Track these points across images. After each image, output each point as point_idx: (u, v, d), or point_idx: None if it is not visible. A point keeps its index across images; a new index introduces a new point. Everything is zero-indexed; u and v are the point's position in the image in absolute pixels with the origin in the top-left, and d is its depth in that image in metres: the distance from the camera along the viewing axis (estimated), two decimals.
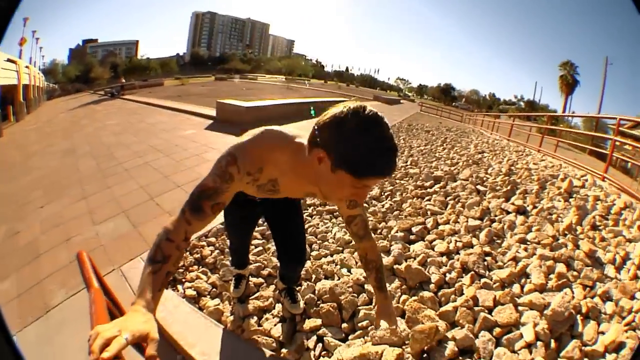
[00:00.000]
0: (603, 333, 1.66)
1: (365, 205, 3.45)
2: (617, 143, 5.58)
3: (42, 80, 22.08)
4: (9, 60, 15.36)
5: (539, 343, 1.58)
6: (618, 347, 1.56)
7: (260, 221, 2.64)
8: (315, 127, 0.88)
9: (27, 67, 18.48)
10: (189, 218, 0.94)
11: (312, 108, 10.29)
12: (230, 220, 1.63)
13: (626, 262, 2.28)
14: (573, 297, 1.92)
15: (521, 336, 1.64)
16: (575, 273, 2.17)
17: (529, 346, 1.59)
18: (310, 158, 0.90)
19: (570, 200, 3.59)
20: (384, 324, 1.44)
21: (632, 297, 1.87)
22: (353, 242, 1.45)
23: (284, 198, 1.28)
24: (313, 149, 0.89)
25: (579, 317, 1.75)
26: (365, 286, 2.08)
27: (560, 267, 2.20)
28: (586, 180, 4.54)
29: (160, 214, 3.54)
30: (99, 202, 4.19)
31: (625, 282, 2.02)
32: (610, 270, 2.20)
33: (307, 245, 1.85)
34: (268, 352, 1.65)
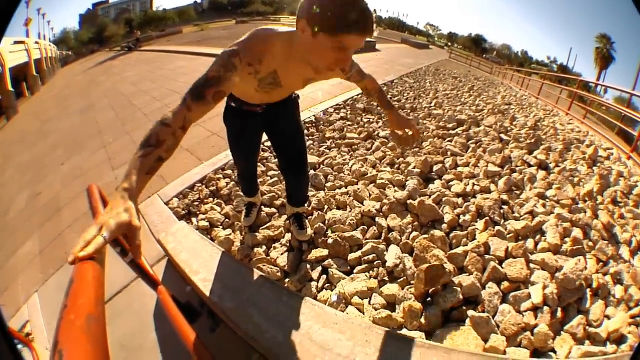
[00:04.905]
0: (609, 318, 1.38)
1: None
2: None
3: (55, 50, 19.94)
4: (16, 42, 13.96)
5: (545, 308, 1.32)
6: (620, 338, 1.29)
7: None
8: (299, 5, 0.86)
9: (36, 42, 16.74)
10: (190, 104, 0.85)
11: None
12: (232, 135, 1.43)
13: None
14: (586, 268, 1.62)
15: (529, 296, 1.37)
16: (591, 243, 1.82)
17: (535, 309, 1.33)
18: (297, 36, 0.89)
19: (594, 168, 3.12)
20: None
21: None
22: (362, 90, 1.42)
23: (284, 113, 1.33)
24: (298, 23, 0.87)
25: (588, 292, 1.46)
26: (376, 219, 1.80)
27: (577, 233, 1.85)
28: (612, 153, 3.92)
29: (178, 150, 3.46)
30: (118, 149, 3.94)
31: (638, 269, 1.69)
32: (625, 251, 1.83)
33: (307, 157, 1.59)
34: (270, 280, 1.45)
